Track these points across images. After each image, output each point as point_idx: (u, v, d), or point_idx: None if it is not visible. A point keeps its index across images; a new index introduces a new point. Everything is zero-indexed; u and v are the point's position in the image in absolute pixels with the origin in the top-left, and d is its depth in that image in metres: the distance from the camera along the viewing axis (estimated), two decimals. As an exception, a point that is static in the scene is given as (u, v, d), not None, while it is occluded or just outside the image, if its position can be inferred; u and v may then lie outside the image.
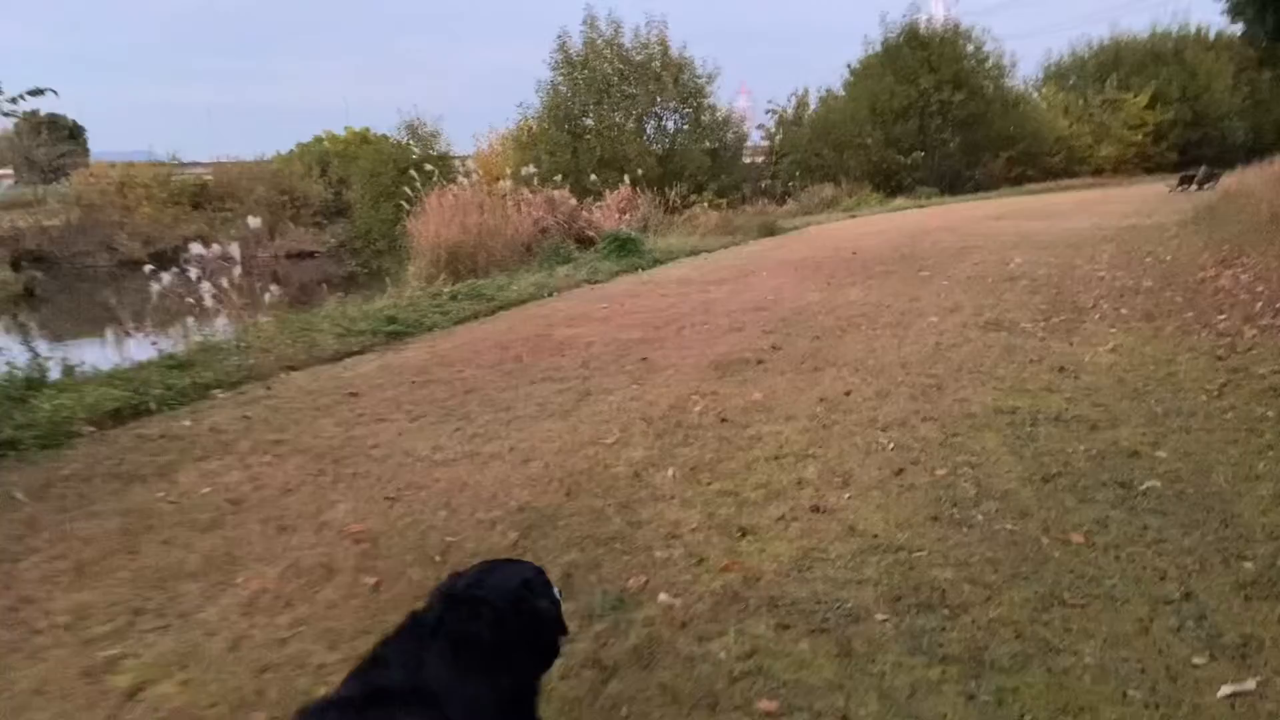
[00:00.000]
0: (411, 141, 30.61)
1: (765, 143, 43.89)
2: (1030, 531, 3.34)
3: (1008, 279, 10.22)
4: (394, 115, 34.99)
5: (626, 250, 13.88)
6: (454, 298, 9.97)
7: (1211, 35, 49.83)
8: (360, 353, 7.53)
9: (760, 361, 6.37)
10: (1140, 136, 44.08)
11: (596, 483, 4.03)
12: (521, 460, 4.39)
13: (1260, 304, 7.37)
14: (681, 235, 18.17)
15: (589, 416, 5.11)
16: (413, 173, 15.01)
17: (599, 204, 21.74)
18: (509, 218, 16.33)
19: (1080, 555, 3.13)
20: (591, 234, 17.73)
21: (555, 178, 18.69)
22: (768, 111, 43.77)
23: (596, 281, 11.82)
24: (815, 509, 3.63)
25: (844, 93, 40.72)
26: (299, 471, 4.38)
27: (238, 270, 10.54)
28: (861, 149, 35.34)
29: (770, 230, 19.33)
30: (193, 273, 10.20)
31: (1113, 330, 6.94)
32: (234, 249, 10.68)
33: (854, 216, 25.80)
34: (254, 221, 18.68)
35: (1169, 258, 11.31)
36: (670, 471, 4.12)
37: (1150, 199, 26.18)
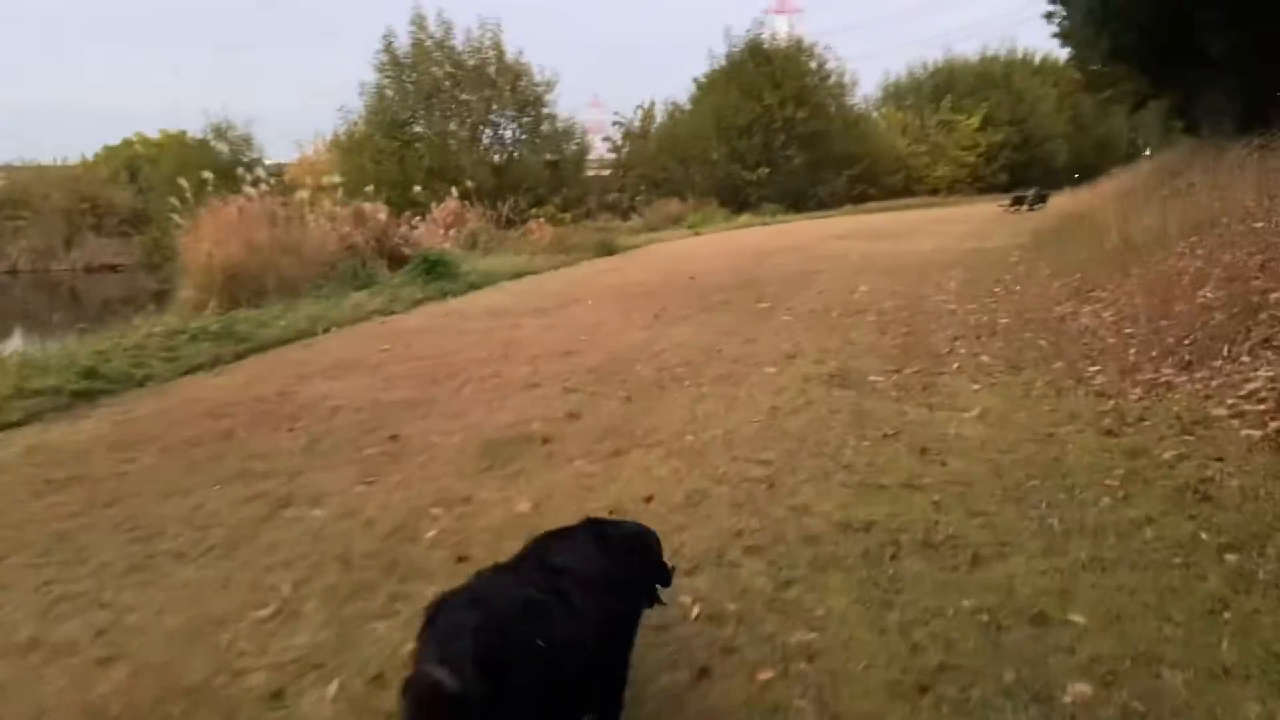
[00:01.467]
0: (218, 145, 27.66)
1: (613, 155, 42.92)
2: (908, 836, 1.92)
3: (854, 312, 9.13)
4: (203, 118, 31.65)
5: (438, 273, 12.17)
6: (195, 337, 8.02)
7: (1037, 60, 52.31)
8: (19, 424, 5.56)
9: (547, 440, 4.84)
10: (973, 157, 45.52)
11: (202, 717, 2.38)
12: (103, 659, 2.68)
13: (1133, 351, 6.40)
14: (511, 254, 16.58)
15: (262, 554, 3.43)
16: (181, 181, 12.78)
17: (424, 218, 19.99)
18: (308, 234, 14.39)
19: None
20: (408, 252, 15.96)
21: (367, 188, 16.71)
22: (614, 124, 42.82)
23: (392, 313, 10.08)
24: (549, 785, 2.12)
25: (691, 106, 40.11)
26: None
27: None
28: (707, 164, 34.66)
29: (608, 249, 17.99)
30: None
31: (976, 387, 5.80)
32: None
33: (698, 234, 24.87)
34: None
35: (1019, 288, 10.53)
36: (334, 685, 2.52)
37: (986, 219, 26.44)
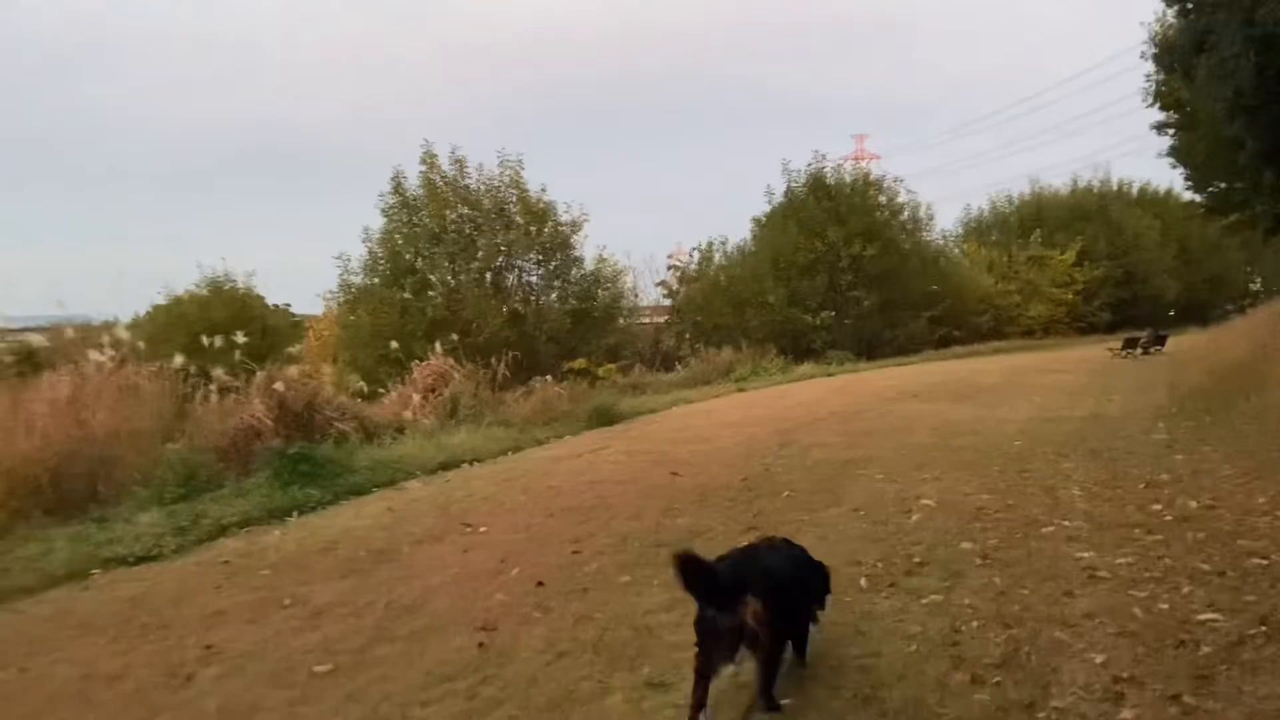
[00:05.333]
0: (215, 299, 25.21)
1: (668, 301, 39.83)
2: None
3: (901, 573, 4.94)
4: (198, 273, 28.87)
5: (300, 474, 8.39)
6: None
7: (1135, 191, 48.07)
8: None
9: None
10: (1070, 295, 40.82)
11: None
12: None
13: None
14: (470, 429, 12.84)
15: None
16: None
17: (399, 381, 16.61)
18: (190, 412, 11.09)
19: None
20: (344, 428, 12.49)
21: (289, 349, 13.36)
22: (670, 267, 39.88)
23: (151, 557, 6.27)
24: None
25: (753, 246, 36.75)
26: None
27: None
28: (764, 307, 30.94)
29: (606, 417, 14.10)
30: None
31: None
32: None
33: (743, 389, 20.88)
34: None
35: (1194, 504, 6.20)
36: None
37: (1095, 367, 21.85)
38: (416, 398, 15.87)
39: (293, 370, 12.42)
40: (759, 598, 3.15)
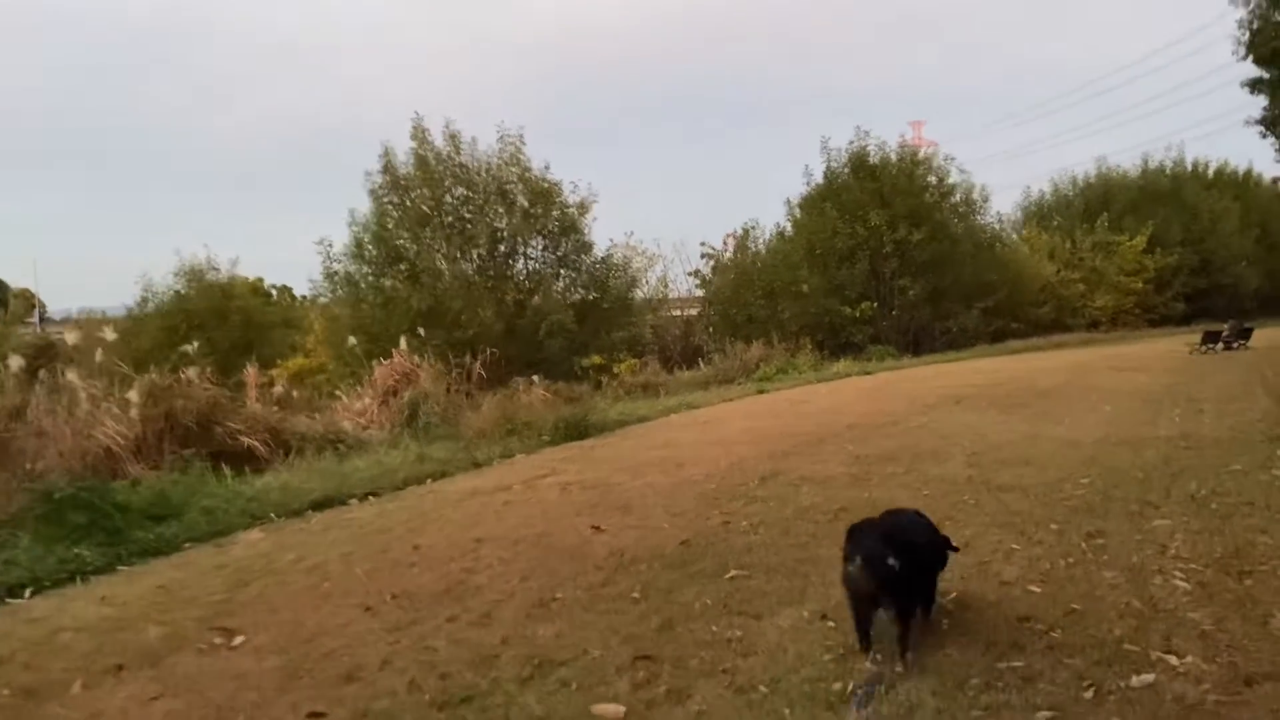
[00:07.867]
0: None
1: (701, 292, 37.32)
2: None
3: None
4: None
5: (75, 527, 6.13)
6: None
7: (1211, 172, 44.11)
8: None
9: None
10: (1140, 284, 37.30)
11: None
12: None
13: None
14: (405, 445, 10.60)
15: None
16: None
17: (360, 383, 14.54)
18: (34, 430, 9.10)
19: None
20: (250, 443, 10.47)
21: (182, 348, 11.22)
22: (703, 255, 37.27)
23: None
24: None
25: (791, 231, 33.90)
26: None
27: None
28: (798, 298, 28.20)
29: (577, 430, 11.73)
30: None
31: None
32: None
33: (763, 391, 18.33)
34: None
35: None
36: None
37: (1173, 364, 18.86)
38: (369, 402, 13.74)
39: (191, 372, 10.26)
40: (900, 563, 3.54)
